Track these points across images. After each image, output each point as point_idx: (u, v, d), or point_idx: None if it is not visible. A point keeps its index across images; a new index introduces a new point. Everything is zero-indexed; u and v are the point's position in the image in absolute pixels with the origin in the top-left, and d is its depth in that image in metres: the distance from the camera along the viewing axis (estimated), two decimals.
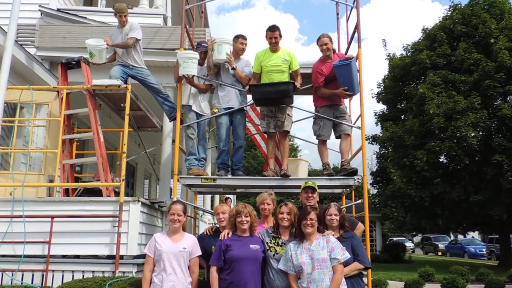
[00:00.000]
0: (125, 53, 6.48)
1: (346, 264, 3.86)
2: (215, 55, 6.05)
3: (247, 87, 6.04)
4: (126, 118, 6.02)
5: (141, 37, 6.50)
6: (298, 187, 4.79)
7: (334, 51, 6.14)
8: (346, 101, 6.62)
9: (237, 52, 6.26)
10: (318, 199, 4.58)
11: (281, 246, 4.00)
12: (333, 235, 3.93)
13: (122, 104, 6.29)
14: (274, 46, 6.00)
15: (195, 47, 6.76)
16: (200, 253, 4.17)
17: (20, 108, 6.53)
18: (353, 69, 5.75)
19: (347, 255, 3.74)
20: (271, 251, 3.99)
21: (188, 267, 4.06)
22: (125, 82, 6.42)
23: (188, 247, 4.05)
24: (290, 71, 6.15)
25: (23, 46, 7.16)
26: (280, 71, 6.00)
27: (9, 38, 5.87)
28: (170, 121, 7.03)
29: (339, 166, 6.12)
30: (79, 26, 8.46)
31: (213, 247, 4.19)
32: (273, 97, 5.82)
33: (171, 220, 4.08)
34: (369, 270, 4.90)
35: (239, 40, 6.25)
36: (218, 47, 6.01)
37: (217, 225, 4.55)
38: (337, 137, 6.16)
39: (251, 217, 4.00)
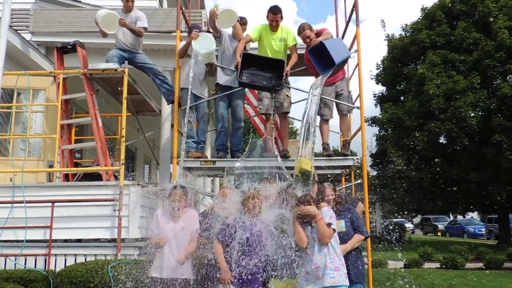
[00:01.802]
0: (125, 37, 6.44)
1: (347, 237, 4.04)
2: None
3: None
4: (124, 102, 5.99)
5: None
6: None
7: (316, 34, 6.05)
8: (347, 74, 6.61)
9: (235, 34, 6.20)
10: (316, 179, 4.60)
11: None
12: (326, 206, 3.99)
13: (119, 88, 6.24)
14: (274, 28, 6.00)
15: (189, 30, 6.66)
16: (198, 227, 4.19)
17: (17, 94, 6.48)
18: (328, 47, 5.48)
19: (333, 221, 3.80)
20: None
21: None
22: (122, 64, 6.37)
23: (186, 225, 4.12)
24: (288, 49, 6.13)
25: (18, 31, 7.08)
26: (276, 51, 6.02)
27: (3, 23, 5.76)
28: (168, 104, 7.00)
29: (339, 149, 6.17)
30: (73, 10, 8.37)
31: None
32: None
33: (172, 207, 4.13)
34: (369, 240, 5.02)
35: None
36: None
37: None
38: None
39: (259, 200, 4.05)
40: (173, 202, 4.11)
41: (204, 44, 5.83)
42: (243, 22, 6.25)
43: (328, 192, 4.23)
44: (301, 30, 5.95)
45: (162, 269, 3.98)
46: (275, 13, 5.88)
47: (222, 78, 6.17)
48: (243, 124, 6.37)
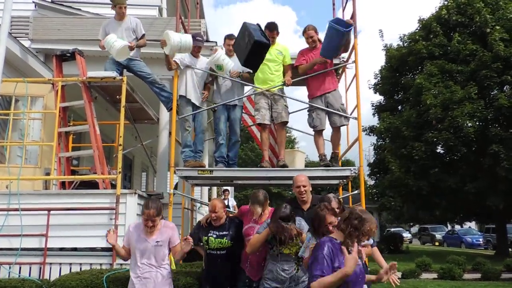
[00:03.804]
0: None
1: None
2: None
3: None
4: (122, 110, 5.99)
5: None
6: None
7: (319, 40, 6.26)
8: (342, 88, 6.67)
9: (227, 52, 6.42)
10: (311, 189, 4.54)
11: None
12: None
13: (117, 96, 6.27)
14: (271, 43, 6.11)
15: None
16: (178, 240, 3.98)
17: (15, 101, 6.49)
18: (340, 36, 5.77)
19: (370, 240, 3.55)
20: (274, 251, 3.87)
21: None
22: (121, 74, 6.39)
23: (163, 239, 3.83)
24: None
25: (17, 38, 7.09)
26: (274, 61, 6.17)
27: (2, 30, 5.77)
28: (168, 111, 7.00)
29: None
30: (73, 18, 8.39)
31: (204, 237, 4.19)
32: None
33: (145, 226, 3.78)
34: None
35: (226, 42, 6.50)
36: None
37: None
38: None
39: None
40: (147, 221, 3.73)
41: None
42: (229, 39, 6.47)
43: (334, 205, 3.93)
44: (306, 30, 6.20)
45: (142, 287, 3.73)
46: (271, 30, 6.12)
47: (223, 96, 6.31)
48: (240, 140, 6.46)
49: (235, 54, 6.23)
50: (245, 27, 5.76)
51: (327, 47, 5.95)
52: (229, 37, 6.48)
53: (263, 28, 5.98)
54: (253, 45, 5.52)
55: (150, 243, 3.78)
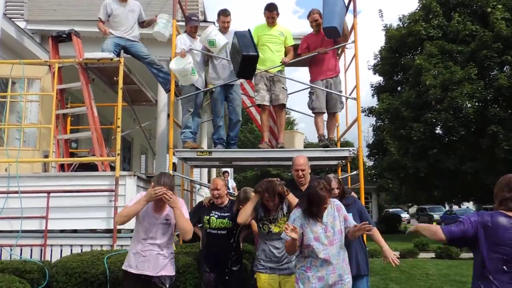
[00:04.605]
0: (129, 29, 6.42)
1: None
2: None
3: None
4: (120, 92, 5.95)
5: None
6: None
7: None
8: (341, 69, 6.63)
9: (222, 29, 6.22)
10: (310, 171, 4.51)
11: (273, 222, 3.87)
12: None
13: (115, 78, 6.20)
14: (271, 24, 6.17)
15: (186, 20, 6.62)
16: (188, 216, 3.76)
17: (12, 83, 6.43)
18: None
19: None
20: (264, 229, 3.88)
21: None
22: (118, 55, 6.32)
23: (172, 216, 3.60)
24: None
25: (12, 19, 6.99)
26: (275, 42, 6.14)
27: None
28: (166, 93, 6.94)
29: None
30: None
31: (206, 217, 4.22)
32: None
33: (155, 203, 3.55)
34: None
35: (221, 18, 6.27)
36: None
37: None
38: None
39: None
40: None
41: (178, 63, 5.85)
42: (224, 15, 6.28)
43: (334, 185, 3.93)
44: (310, 13, 6.20)
45: (139, 264, 3.54)
46: (270, 10, 6.10)
47: (219, 76, 6.20)
48: (241, 119, 6.38)
49: (230, 31, 6.17)
50: (235, 38, 5.72)
51: (328, 14, 5.80)
52: (223, 13, 6.24)
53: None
54: (242, 60, 5.58)
55: (158, 220, 3.57)
